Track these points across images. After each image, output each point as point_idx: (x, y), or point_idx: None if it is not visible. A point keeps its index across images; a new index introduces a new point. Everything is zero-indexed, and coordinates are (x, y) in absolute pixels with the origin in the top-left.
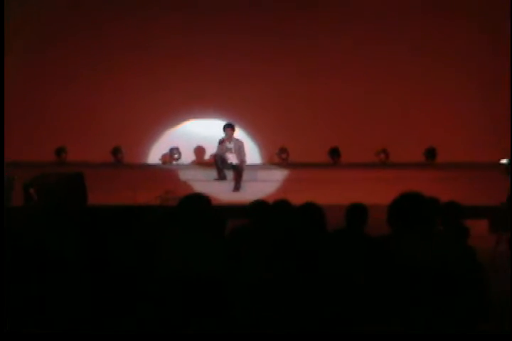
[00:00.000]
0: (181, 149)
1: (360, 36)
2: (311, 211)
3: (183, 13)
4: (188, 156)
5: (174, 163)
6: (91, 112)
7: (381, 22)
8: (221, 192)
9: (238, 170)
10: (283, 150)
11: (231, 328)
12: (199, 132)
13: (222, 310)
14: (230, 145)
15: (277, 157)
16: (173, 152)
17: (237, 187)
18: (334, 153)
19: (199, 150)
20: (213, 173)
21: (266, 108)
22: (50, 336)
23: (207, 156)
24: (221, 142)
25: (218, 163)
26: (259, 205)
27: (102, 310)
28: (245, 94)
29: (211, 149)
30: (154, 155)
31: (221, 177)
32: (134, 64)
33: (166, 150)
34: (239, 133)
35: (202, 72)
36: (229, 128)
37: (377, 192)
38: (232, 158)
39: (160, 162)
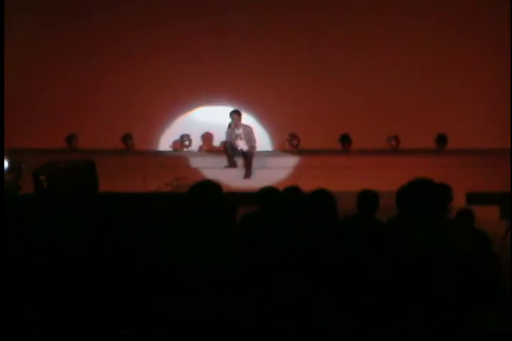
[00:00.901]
0: (192, 136)
1: (372, 22)
2: (322, 197)
3: None
4: (198, 143)
5: (185, 149)
6: (101, 99)
7: (391, 10)
8: (232, 179)
9: (248, 156)
10: (294, 136)
11: (240, 315)
12: (209, 119)
13: (230, 296)
14: (239, 132)
15: (288, 144)
16: (184, 139)
17: (247, 174)
18: (345, 139)
19: (209, 137)
20: (224, 160)
21: (276, 94)
22: (51, 336)
23: (217, 143)
24: (230, 127)
25: (228, 150)
26: (267, 192)
27: (110, 297)
28: (256, 80)
29: (221, 136)
30: (165, 142)
31: (231, 164)
32: (145, 51)
33: (176, 137)
34: (250, 120)
35: (213, 59)
36: (235, 114)
37: (388, 178)
38: (241, 145)
39: (170, 149)
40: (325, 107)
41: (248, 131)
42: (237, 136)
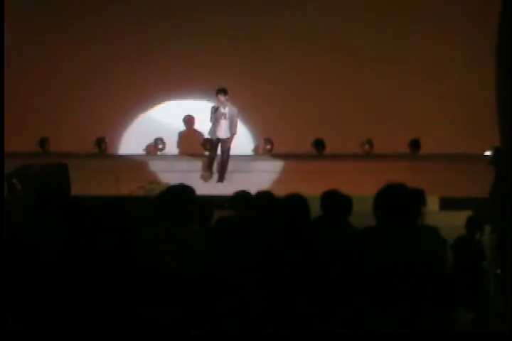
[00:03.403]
0: (165, 139)
1: (349, 28)
2: (295, 202)
3: None
4: (172, 146)
5: (158, 153)
6: (75, 103)
7: (370, 17)
8: (205, 183)
9: (224, 148)
10: (267, 141)
11: (215, 322)
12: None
13: (205, 301)
14: (225, 111)
15: (262, 148)
16: (158, 142)
17: (221, 178)
18: (319, 144)
19: (183, 141)
20: (198, 164)
21: (251, 99)
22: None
23: (192, 146)
24: (216, 110)
25: (210, 149)
26: (241, 196)
27: (83, 303)
28: (231, 85)
29: (196, 140)
30: (138, 146)
31: (208, 174)
32: (118, 54)
33: (150, 140)
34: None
35: (189, 64)
36: (222, 93)
37: (362, 183)
38: (222, 128)
39: (144, 152)
40: (298, 112)
41: (233, 113)
42: (222, 115)
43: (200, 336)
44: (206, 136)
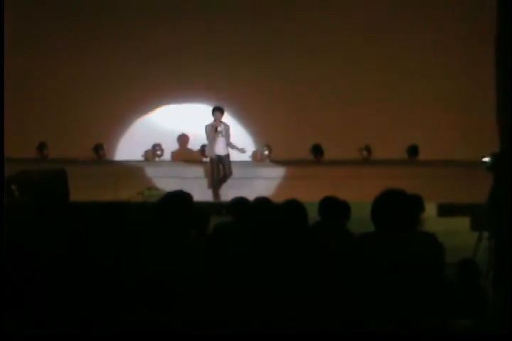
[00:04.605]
0: (164, 145)
1: (344, 35)
2: (293, 208)
3: None
4: (170, 153)
5: (157, 159)
6: (73, 108)
7: (363, 23)
8: (204, 189)
9: (224, 165)
10: (266, 147)
11: (212, 327)
12: (182, 129)
13: (203, 305)
14: (220, 129)
15: (260, 154)
16: (156, 148)
17: (216, 196)
18: (317, 150)
19: (182, 147)
20: (196, 170)
21: (249, 105)
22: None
23: (191, 153)
24: (216, 128)
25: (215, 173)
26: (238, 202)
27: (82, 307)
28: (229, 91)
29: (194, 146)
30: (136, 152)
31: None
32: (116, 60)
33: (148, 146)
34: None
35: (188, 70)
36: (218, 111)
37: (360, 189)
38: (221, 146)
39: (142, 158)
40: (296, 118)
41: (227, 129)
42: (219, 133)
43: (200, 336)
44: (205, 142)
